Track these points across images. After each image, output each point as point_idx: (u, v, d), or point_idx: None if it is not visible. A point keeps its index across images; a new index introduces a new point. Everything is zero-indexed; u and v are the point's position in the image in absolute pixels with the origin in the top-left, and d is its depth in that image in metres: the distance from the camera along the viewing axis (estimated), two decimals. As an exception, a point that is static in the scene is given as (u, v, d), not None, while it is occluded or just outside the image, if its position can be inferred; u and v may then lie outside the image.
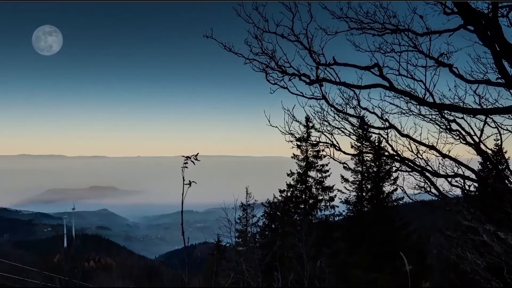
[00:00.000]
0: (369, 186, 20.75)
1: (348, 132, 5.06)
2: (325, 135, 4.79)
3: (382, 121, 4.61)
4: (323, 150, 19.17)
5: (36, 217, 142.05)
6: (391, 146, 4.69)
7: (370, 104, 5.17)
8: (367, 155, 20.92)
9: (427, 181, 4.83)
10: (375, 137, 6.64)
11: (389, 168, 20.25)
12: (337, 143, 4.83)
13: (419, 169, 4.66)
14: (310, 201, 20.76)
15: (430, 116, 4.69)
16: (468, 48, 5.59)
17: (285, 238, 17.67)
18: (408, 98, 4.52)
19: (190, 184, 2.12)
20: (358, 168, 20.69)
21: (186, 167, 2.16)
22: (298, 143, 20.45)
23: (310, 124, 19.86)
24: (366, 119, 5.32)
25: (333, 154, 4.97)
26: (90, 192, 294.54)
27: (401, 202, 20.77)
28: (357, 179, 20.78)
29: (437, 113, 4.61)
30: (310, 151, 20.56)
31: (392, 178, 20.57)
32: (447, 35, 5.45)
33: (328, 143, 4.82)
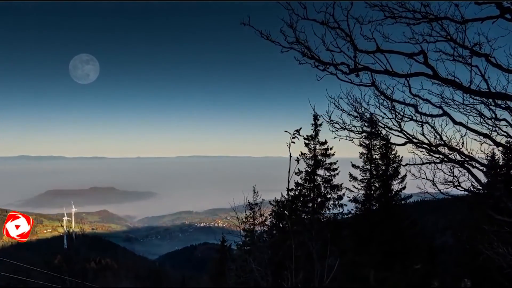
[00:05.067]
0: (377, 185, 20.60)
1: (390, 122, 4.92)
2: (379, 125, 4.65)
3: (436, 108, 4.48)
4: (330, 147, 18.62)
5: (36, 218, 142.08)
6: (439, 135, 4.56)
7: (401, 94, 5.06)
8: (375, 154, 20.84)
9: (468, 173, 4.70)
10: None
11: (398, 167, 20.12)
12: (384, 134, 4.72)
13: (467, 158, 4.51)
14: (318, 200, 20.57)
15: (473, 106, 4.56)
16: (503, 38, 5.48)
17: (294, 237, 17.48)
18: (452, 87, 4.38)
19: (298, 161, 2.01)
20: (367, 167, 20.57)
21: (293, 142, 2.09)
22: (306, 141, 20.35)
23: (319, 122, 19.77)
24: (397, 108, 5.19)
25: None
26: (90, 193, 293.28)
27: (409, 199, 20.63)
28: (365, 177, 20.65)
29: (481, 102, 4.49)
30: (318, 149, 20.40)
31: (400, 176, 20.44)
32: (479, 26, 5.35)
33: (376, 133, 4.69)
